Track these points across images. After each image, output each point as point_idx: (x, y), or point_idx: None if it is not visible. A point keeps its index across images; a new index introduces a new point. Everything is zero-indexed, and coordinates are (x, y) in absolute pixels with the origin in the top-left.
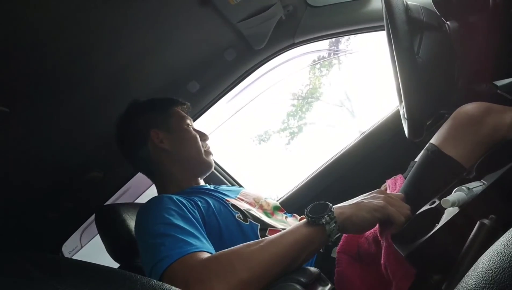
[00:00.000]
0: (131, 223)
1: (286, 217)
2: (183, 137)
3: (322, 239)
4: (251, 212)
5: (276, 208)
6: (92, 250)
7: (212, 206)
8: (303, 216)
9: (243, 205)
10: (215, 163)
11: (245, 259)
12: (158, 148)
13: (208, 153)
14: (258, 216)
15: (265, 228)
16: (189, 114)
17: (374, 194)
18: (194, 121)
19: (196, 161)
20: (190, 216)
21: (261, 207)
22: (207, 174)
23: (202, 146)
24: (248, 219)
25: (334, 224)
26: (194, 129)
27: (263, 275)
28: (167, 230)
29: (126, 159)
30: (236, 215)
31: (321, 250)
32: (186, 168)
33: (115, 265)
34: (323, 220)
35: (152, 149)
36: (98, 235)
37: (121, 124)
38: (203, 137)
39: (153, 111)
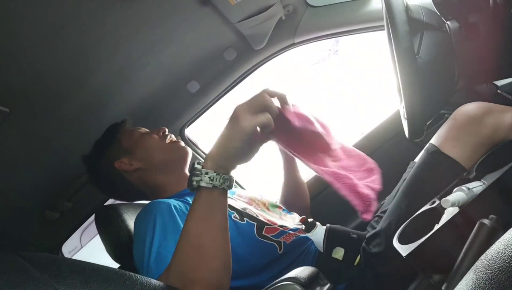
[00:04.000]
0: (131, 223)
1: (286, 214)
2: (143, 147)
3: (216, 194)
4: (247, 211)
5: (272, 206)
6: (92, 250)
7: None
8: (303, 217)
9: (239, 204)
10: None
11: (199, 261)
12: (132, 172)
13: (173, 142)
14: (255, 215)
15: (262, 227)
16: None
17: (233, 118)
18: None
19: (169, 158)
20: (181, 222)
21: (257, 205)
22: (188, 161)
23: (165, 140)
24: (244, 219)
25: (209, 175)
26: (146, 132)
27: (216, 261)
28: (156, 238)
29: (120, 200)
30: (232, 215)
31: (322, 251)
32: (167, 170)
33: (115, 265)
34: (194, 183)
35: (129, 177)
36: (98, 235)
37: (92, 181)
38: (159, 132)
39: (102, 150)
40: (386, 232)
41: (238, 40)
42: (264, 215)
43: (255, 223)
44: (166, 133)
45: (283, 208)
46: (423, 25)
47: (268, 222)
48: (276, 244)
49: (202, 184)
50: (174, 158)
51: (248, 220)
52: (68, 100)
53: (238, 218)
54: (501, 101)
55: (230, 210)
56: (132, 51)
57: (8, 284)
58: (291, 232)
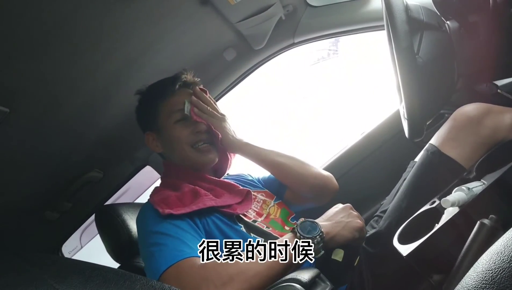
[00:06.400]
0: (131, 223)
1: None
2: (170, 136)
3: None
4: (256, 224)
5: (284, 214)
6: (92, 250)
7: (215, 226)
8: (302, 218)
9: (249, 216)
10: None
11: (242, 270)
12: (155, 151)
13: (199, 150)
14: (263, 228)
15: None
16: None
17: (350, 212)
18: None
19: (187, 161)
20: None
21: (268, 216)
22: (210, 166)
23: (194, 142)
24: (251, 233)
25: (321, 243)
26: (181, 121)
27: (259, 286)
28: (161, 239)
29: None
30: (240, 229)
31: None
32: (184, 167)
33: (115, 265)
34: (315, 241)
35: (153, 151)
36: (98, 235)
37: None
38: (195, 129)
39: (145, 110)
40: (386, 232)
41: (238, 40)
42: (273, 228)
43: (262, 239)
44: (201, 131)
45: (294, 215)
46: (423, 25)
47: (275, 235)
48: None
49: (316, 246)
50: (191, 162)
51: (254, 235)
52: (68, 100)
53: (245, 231)
54: (501, 101)
55: (239, 224)
56: (131, 51)
57: (9, 284)
58: None
